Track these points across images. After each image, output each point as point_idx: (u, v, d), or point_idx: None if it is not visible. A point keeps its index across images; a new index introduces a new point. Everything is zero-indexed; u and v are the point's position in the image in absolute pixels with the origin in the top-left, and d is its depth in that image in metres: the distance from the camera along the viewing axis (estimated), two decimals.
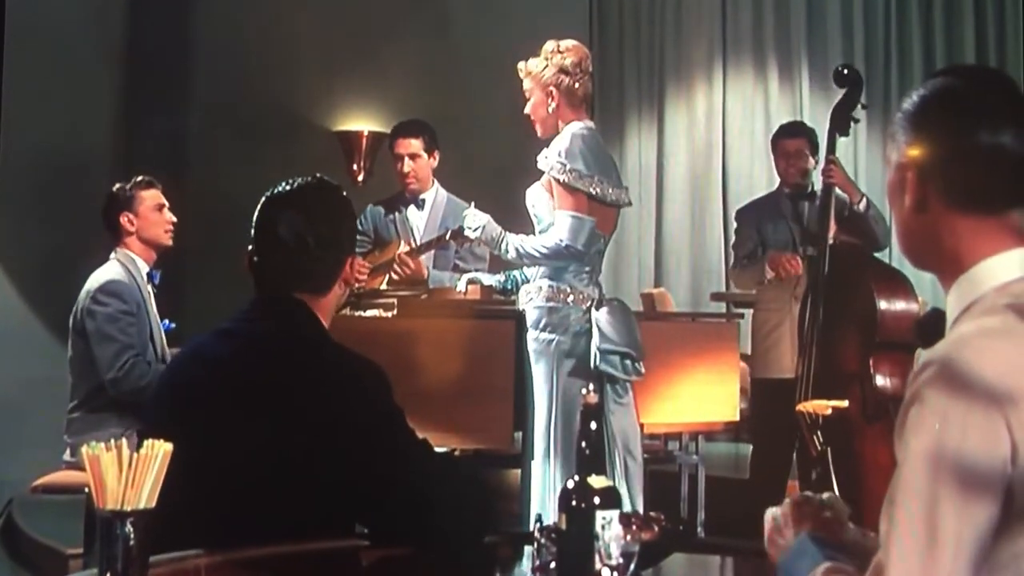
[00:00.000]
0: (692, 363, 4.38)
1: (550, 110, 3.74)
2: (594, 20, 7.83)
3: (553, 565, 1.52)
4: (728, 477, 5.66)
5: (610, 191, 3.73)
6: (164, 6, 6.68)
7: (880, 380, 4.18)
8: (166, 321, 4.17)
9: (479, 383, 3.89)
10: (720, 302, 6.78)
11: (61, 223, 5.46)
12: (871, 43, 7.90)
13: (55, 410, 4.15)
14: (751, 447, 5.25)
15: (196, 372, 2.08)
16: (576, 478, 1.51)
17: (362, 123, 6.89)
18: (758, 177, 7.53)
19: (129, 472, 1.44)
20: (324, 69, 6.86)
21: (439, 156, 4.76)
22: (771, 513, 1.56)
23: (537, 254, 3.67)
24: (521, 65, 3.78)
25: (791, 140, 4.93)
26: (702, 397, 4.40)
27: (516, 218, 3.89)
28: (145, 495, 1.45)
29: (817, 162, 4.79)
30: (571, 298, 3.69)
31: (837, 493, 3.87)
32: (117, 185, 4.14)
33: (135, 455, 1.45)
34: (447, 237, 4.18)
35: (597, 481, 1.49)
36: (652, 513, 1.74)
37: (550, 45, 3.76)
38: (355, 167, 6.86)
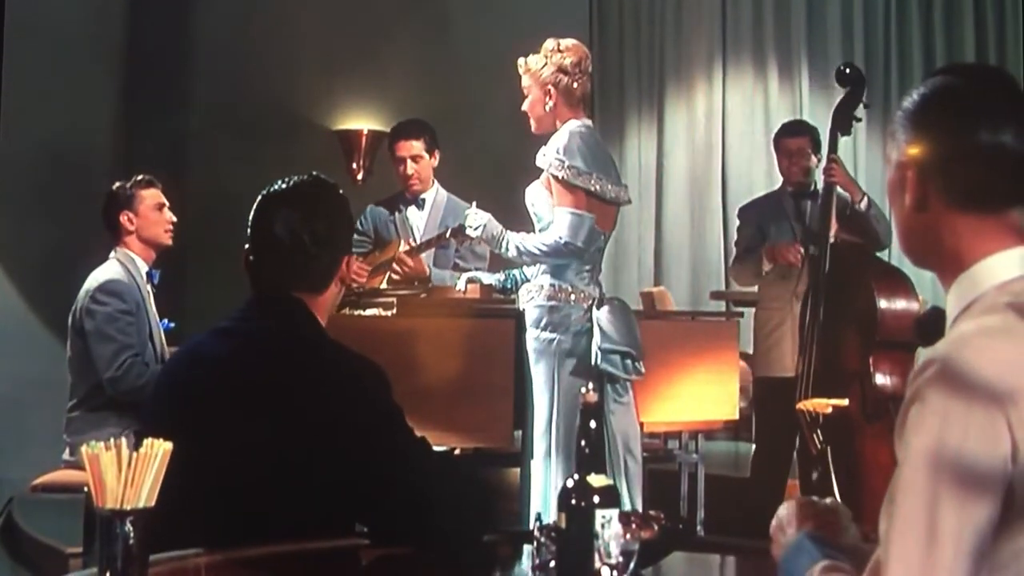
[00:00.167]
0: (692, 362, 4.38)
1: (547, 108, 3.75)
2: (594, 20, 7.83)
3: (553, 564, 1.52)
4: (728, 476, 5.66)
5: (609, 188, 3.73)
6: (164, 6, 6.69)
7: (880, 379, 4.18)
8: (165, 320, 4.17)
9: (479, 382, 3.89)
10: (720, 301, 6.79)
11: (61, 222, 5.46)
12: (871, 43, 7.89)
13: (55, 409, 4.15)
14: (753, 446, 5.25)
15: (194, 371, 2.07)
16: (576, 477, 1.51)
17: (362, 122, 6.90)
18: (758, 177, 7.53)
19: (129, 471, 1.44)
20: (324, 69, 6.86)
21: (439, 155, 4.77)
22: (777, 513, 1.56)
23: (537, 252, 3.67)
24: (521, 61, 3.78)
25: (794, 139, 4.93)
26: (702, 396, 4.40)
27: (516, 217, 3.89)
28: (145, 494, 1.45)
29: (820, 161, 4.79)
30: (572, 297, 3.69)
31: (837, 491, 3.89)
32: (117, 184, 4.14)
33: (135, 454, 1.45)
34: (447, 235, 4.18)
35: (597, 480, 1.49)
36: (652, 512, 1.75)
37: (550, 44, 3.76)
38: (355, 166, 6.87)
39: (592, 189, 3.67)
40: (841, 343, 4.30)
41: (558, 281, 3.70)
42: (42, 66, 5.67)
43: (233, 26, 6.74)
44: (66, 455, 3.97)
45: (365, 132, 6.86)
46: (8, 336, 5.49)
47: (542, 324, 3.68)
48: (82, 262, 4.25)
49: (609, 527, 1.48)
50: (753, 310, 5.14)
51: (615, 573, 1.47)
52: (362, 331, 3.80)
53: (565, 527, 1.50)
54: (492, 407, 3.88)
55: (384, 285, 4.42)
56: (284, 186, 2.11)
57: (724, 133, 7.89)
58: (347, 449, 1.93)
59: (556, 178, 3.66)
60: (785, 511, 1.55)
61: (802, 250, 4.65)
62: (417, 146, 4.69)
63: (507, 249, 3.73)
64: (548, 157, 3.68)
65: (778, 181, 5.25)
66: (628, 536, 1.49)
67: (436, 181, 4.79)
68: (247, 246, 2.11)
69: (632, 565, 1.49)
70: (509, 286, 3.94)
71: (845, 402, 4.13)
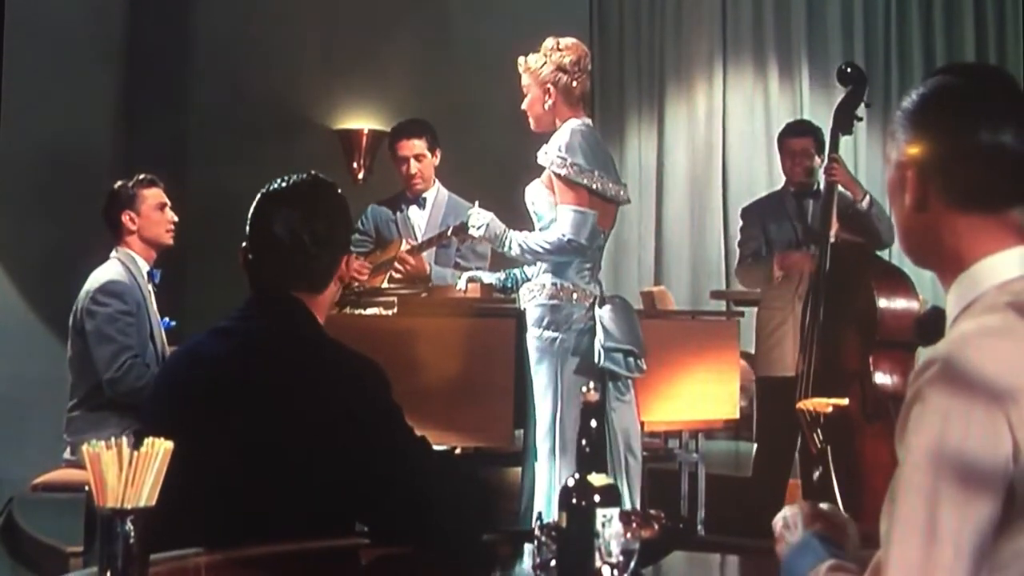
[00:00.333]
0: (692, 361, 4.38)
1: (546, 107, 3.75)
2: (594, 20, 7.83)
3: (553, 563, 1.52)
4: (728, 475, 5.66)
5: (610, 186, 3.73)
6: (164, 6, 6.68)
7: (880, 378, 4.18)
8: (166, 319, 4.16)
9: (479, 381, 3.90)
10: (720, 300, 6.79)
11: (61, 222, 5.46)
12: (871, 43, 7.89)
13: (55, 409, 4.15)
14: (755, 445, 5.25)
15: (193, 371, 2.07)
16: (576, 476, 1.51)
17: (362, 121, 6.90)
18: (758, 176, 7.53)
19: (129, 470, 1.44)
20: (324, 68, 6.87)
21: (440, 154, 4.77)
22: (782, 514, 1.56)
23: (540, 250, 3.67)
24: (521, 60, 3.79)
25: (797, 139, 4.94)
26: (702, 395, 4.40)
27: (516, 216, 3.89)
28: (145, 493, 1.45)
29: (822, 161, 4.79)
30: (574, 295, 3.69)
31: (837, 491, 3.89)
32: (119, 183, 4.12)
33: (135, 453, 1.45)
34: (448, 233, 4.18)
35: (597, 479, 1.50)
36: (652, 511, 1.75)
37: (550, 42, 3.76)
38: (355, 165, 6.87)
39: (594, 187, 3.68)
40: (841, 343, 4.30)
41: (559, 280, 3.70)
42: (42, 66, 5.67)
43: (233, 26, 6.75)
44: (66, 454, 3.97)
45: (365, 132, 6.86)
46: (8, 336, 5.49)
47: (544, 323, 3.68)
48: (82, 261, 4.24)
49: (610, 526, 1.48)
50: (754, 310, 5.14)
51: (615, 572, 1.47)
52: (362, 331, 3.80)
53: (566, 526, 1.50)
54: (492, 407, 3.88)
55: (385, 284, 4.42)
56: (283, 185, 2.11)
57: (724, 133, 7.88)
58: (347, 448, 1.93)
59: (558, 176, 3.66)
60: (792, 511, 1.55)
61: (805, 250, 4.64)
62: (419, 145, 4.69)
63: (510, 248, 3.73)
64: (550, 155, 3.68)
65: (779, 180, 5.25)
66: (628, 535, 1.49)
67: (437, 180, 4.79)
68: (245, 245, 2.10)
69: (632, 564, 1.49)
70: (510, 285, 3.94)
71: (845, 402, 4.13)
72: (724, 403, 4.46)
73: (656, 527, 1.70)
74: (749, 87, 7.90)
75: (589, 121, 3.82)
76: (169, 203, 4.14)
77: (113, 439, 1.45)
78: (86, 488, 1.51)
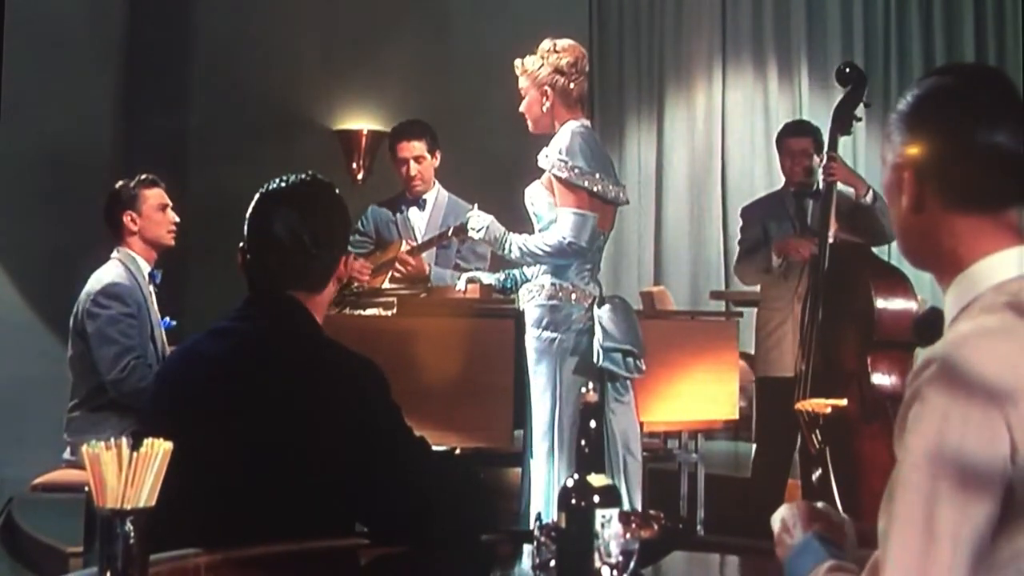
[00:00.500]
0: (691, 361, 4.38)
1: (544, 109, 3.75)
2: (594, 20, 7.84)
3: (553, 563, 1.52)
4: (727, 475, 5.66)
5: (610, 188, 3.74)
6: (164, 6, 6.69)
7: (878, 379, 4.18)
8: (167, 319, 4.15)
9: (479, 382, 3.90)
10: (719, 300, 6.79)
11: (61, 222, 5.46)
12: (871, 43, 7.90)
13: (55, 409, 4.15)
14: (753, 445, 5.26)
15: (192, 371, 2.07)
16: (575, 476, 1.51)
17: (362, 122, 6.90)
18: (758, 177, 7.54)
19: (129, 471, 1.44)
20: (324, 69, 6.87)
21: (439, 155, 4.77)
22: (779, 514, 1.55)
23: (541, 252, 3.67)
24: (518, 62, 3.79)
25: (797, 139, 4.94)
26: (701, 395, 4.40)
27: (516, 217, 3.90)
28: (145, 494, 1.45)
29: (822, 161, 4.79)
30: (573, 296, 3.70)
31: (836, 491, 3.89)
32: (120, 183, 4.11)
33: (135, 454, 1.45)
34: (449, 234, 4.19)
35: (596, 479, 1.50)
36: (651, 511, 1.75)
37: (546, 44, 3.77)
38: (355, 166, 6.87)
39: (594, 189, 3.68)
40: (840, 343, 4.30)
41: (559, 280, 3.71)
42: (42, 66, 5.67)
43: (233, 26, 6.75)
44: (67, 454, 3.97)
45: (365, 132, 6.87)
46: (8, 336, 5.48)
47: (543, 323, 3.68)
48: (82, 261, 4.24)
49: (609, 526, 1.48)
50: (753, 310, 5.14)
51: (615, 573, 1.47)
52: (362, 331, 3.81)
53: (565, 527, 1.50)
54: (492, 407, 3.88)
55: (386, 284, 4.42)
56: (282, 185, 2.11)
57: (724, 133, 7.89)
58: (346, 449, 1.93)
59: (559, 179, 3.67)
60: (788, 512, 1.54)
61: (815, 247, 4.62)
62: (419, 147, 4.69)
63: (510, 251, 3.73)
64: (551, 158, 3.69)
65: (778, 180, 5.25)
66: (628, 535, 1.49)
67: (437, 182, 4.80)
68: (243, 245, 2.11)
69: (632, 565, 1.50)
70: (509, 286, 3.94)
71: (844, 402, 4.13)
72: (723, 403, 4.46)
73: (655, 527, 1.70)
74: (748, 87, 7.91)
75: (587, 122, 3.83)
76: (171, 204, 4.13)
77: (113, 439, 1.46)
78: (86, 488, 1.51)
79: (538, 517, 1.57)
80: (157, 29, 6.53)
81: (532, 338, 3.70)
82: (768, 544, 1.56)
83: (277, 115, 6.69)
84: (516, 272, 3.92)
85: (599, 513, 1.48)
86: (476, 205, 3.92)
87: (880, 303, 4.22)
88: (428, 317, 4.08)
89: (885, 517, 1.28)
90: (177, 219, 4.13)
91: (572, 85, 3.74)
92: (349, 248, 2.23)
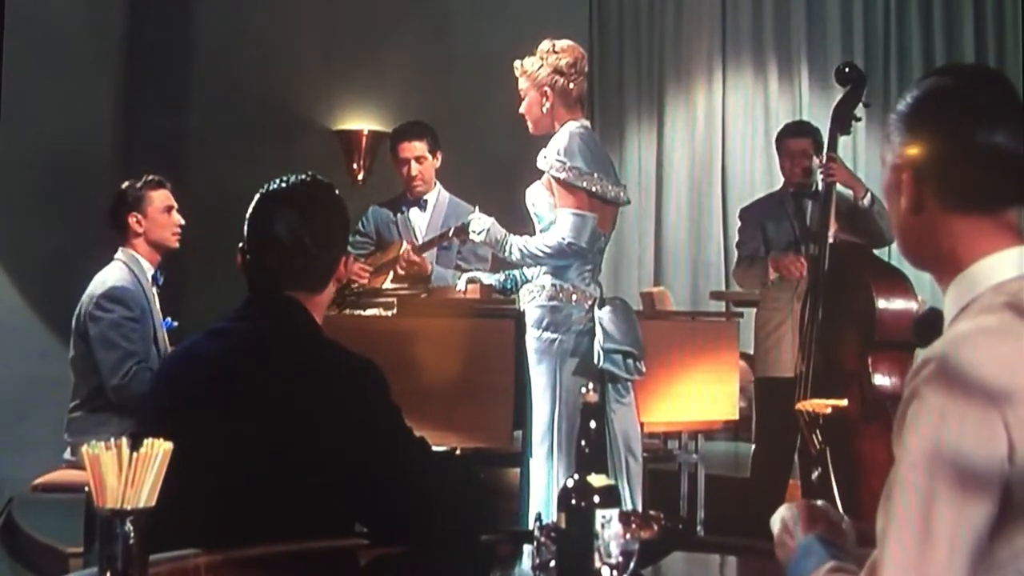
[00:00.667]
0: (692, 362, 4.38)
1: (544, 110, 3.75)
2: (594, 20, 7.84)
3: (552, 564, 1.52)
4: (728, 476, 5.66)
5: (610, 188, 3.74)
6: (164, 6, 6.68)
7: (878, 379, 4.18)
8: (168, 319, 4.14)
9: (479, 382, 3.90)
10: (720, 301, 6.79)
11: (62, 223, 5.45)
12: (871, 43, 7.89)
13: (55, 409, 4.15)
14: (753, 446, 5.26)
15: (191, 372, 2.07)
16: (576, 477, 1.51)
17: (362, 122, 6.90)
18: (758, 177, 7.54)
19: (129, 471, 1.44)
20: (324, 69, 6.87)
21: (440, 156, 4.77)
22: (779, 515, 1.55)
23: (541, 253, 3.67)
24: (517, 64, 3.79)
25: (796, 140, 4.94)
26: (701, 396, 4.40)
27: (516, 218, 3.90)
28: (145, 494, 1.45)
29: (821, 161, 4.79)
30: (574, 297, 3.70)
31: (837, 491, 3.89)
32: (126, 183, 4.07)
33: (135, 454, 1.45)
34: (450, 234, 4.19)
35: (597, 480, 1.50)
36: (652, 512, 1.75)
37: (546, 45, 3.77)
38: (355, 166, 6.87)
39: (593, 190, 3.68)
40: (840, 343, 4.30)
41: (559, 281, 3.71)
42: (42, 66, 5.66)
43: (233, 26, 6.75)
44: (67, 455, 3.96)
45: (365, 132, 6.86)
46: (10, 336, 5.48)
47: (544, 324, 3.69)
48: (83, 262, 4.24)
49: (609, 527, 1.48)
50: (753, 310, 5.14)
51: (615, 573, 1.47)
52: (362, 331, 3.81)
53: (565, 527, 1.50)
54: (492, 407, 3.88)
55: (388, 284, 4.42)
56: (281, 186, 2.11)
57: (724, 133, 7.89)
58: (345, 449, 1.93)
59: (558, 180, 3.67)
60: (788, 513, 1.54)
61: (805, 263, 4.64)
62: (420, 147, 4.70)
63: (510, 252, 3.74)
64: (549, 159, 3.69)
65: (778, 181, 5.25)
66: (628, 536, 1.49)
67: (438, 182, 4.80)
68: (242, 245, 2.11)
69: (632, 565, 1.50)
70: (509, 286, 3.94)
71: (844, 402, 4.13)
72: (723, 404, 4.46)
73: (655, 528, 1.70)
74: (748, 88, 7.91)
75: (587, 123, 3.83)
76: (176, 205, 4.10)
77: (113, 440, 1.46)
78: (86, 489, 1.51)
79: (538, 517, 1.57)
80: (157, 29, 6.53)
81: (532, 339, 3.70)
82: (768, 544, 1.56)
83: (277, 115, 6.69)
84: (516, 273, 3.92)
85: (599, 513, 1.48)
86: (477, 207, 3.92)
87: (881, 303, 4.22)
88: (428, 317, 4.08)
89: (883, 516, 1.28)
90: (182, 221, 4.09)
91: (572, 86, 3.74)
92: (349, 249, 2.23)
